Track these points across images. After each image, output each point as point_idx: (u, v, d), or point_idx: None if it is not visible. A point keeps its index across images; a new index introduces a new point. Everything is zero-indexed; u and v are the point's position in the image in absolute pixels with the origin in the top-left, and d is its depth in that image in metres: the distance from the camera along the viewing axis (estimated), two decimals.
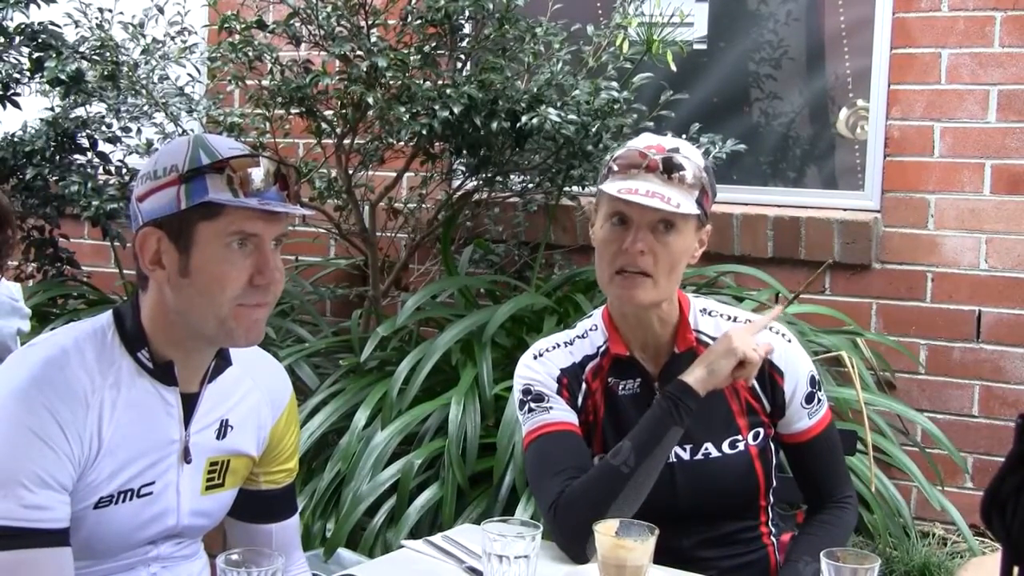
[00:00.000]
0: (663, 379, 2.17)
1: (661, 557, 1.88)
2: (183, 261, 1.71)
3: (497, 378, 3.59)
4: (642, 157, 2.08)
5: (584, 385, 2.19)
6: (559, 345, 2.23)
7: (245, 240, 1.72)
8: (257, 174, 1.72)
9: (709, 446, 2.15)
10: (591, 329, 2.23)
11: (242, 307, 1.73)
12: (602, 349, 2.20)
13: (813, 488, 2.26)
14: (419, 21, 3.89)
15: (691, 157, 2.11)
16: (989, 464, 3.98)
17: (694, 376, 2.08)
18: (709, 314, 2.22)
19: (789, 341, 2.22)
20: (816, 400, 2.21)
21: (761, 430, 2.18)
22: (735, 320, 2.22)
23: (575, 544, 2.04)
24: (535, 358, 2.22)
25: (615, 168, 2.10)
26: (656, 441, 2.06)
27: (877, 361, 4.01)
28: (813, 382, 2.21)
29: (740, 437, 2.16)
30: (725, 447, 2.15)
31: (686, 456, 2.15)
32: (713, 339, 2.17)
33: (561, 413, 2.16)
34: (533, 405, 2.17)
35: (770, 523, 2.24)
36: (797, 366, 2.20)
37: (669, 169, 2.07)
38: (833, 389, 3.65)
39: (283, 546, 1.97)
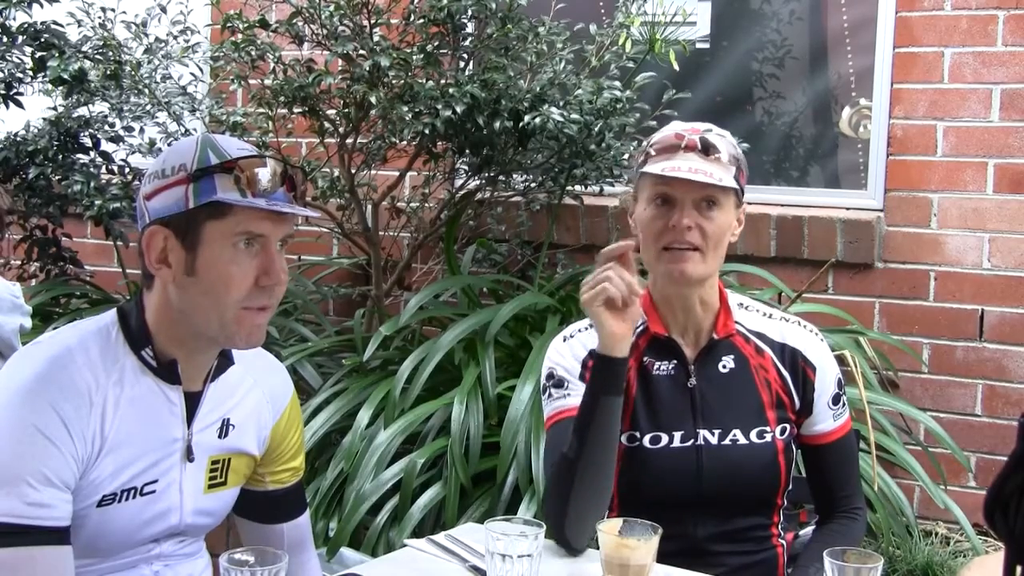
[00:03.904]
0: (700, 363, 2.18)
1: (673, 546, 1.89)
2: (189, 260, 1.72)
3: (500, 377, 3.59)
4: (679, 138, 2.13)
5: None
6: (592, 325, 2.21)
7: (252, 240, 1.72)
8: (265, 175, 1.72)
9: (737, 433, 2.16)
10: None
11: (246, 310, 1.74)
12: (640, 329, 2.20)
13: (826, 494, 2.27)
14: (422, 20, 3.89)
15: (724, 136, 2.17)
16: (992, 463, 3.98)
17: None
18: (746, 308, 2.25)
19: (821, 340, 2.25)
20: (841, 403, 2.25)
21: (788, 426, 2.20)
22: (771, 317, 2.25)
23: (559, 535, 2.08)
24: (564, 340, 2.23)
25: (653, 152, 2.14)
26: (591, 419, 2.07)
27: (880, 360, 4.01)
28: (840, 384, 2.25)
29: (768, 429, 2.17)
30: (753, 436, 2.16)
31: (714, 440, 2.16)
32: (752, 332, 2.21)
33: (579, 398, 2.15)
34: (553, 391, 2.19)
35: (781, 525, 2.24)
36: (828, 365, 2.23)
37: (707, 148, 2.12)
38: None
39: (295, 545, 1.98)
